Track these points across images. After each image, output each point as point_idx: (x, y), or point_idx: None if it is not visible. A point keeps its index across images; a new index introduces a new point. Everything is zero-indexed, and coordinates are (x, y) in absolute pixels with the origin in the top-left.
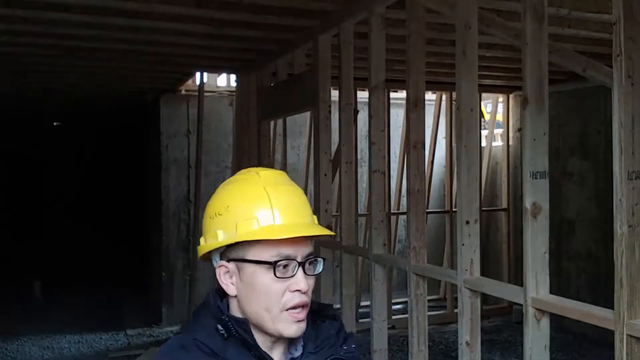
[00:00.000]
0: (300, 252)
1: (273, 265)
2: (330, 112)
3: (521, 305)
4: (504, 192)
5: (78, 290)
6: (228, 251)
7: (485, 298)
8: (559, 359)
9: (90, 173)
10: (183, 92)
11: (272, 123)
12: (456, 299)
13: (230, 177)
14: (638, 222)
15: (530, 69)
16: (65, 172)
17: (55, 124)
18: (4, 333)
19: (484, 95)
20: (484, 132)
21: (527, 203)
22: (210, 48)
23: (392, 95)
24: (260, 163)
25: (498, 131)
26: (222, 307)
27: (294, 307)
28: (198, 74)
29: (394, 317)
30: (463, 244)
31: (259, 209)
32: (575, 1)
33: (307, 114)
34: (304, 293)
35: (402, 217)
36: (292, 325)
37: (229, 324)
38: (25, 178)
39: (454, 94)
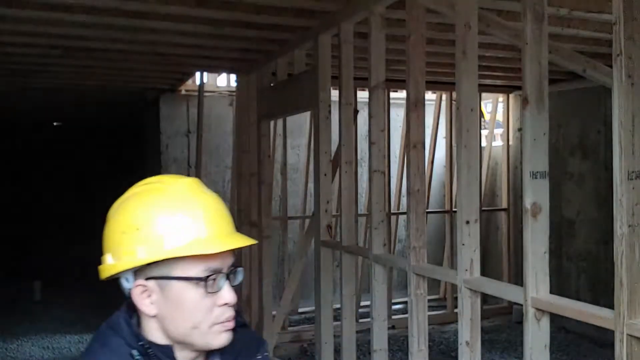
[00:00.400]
0: (226, 263)
1: (204, 280)
2: (330, 112)
3: (521, 305)
4: (504, 192)
5: (78, 290)
6: (148, 269)
7: (485, 298)
8: (559, 359)
9: (90, 173)
10: (183, 92)
11: (272, 123)
12: (456, 299)
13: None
14: (638, 222)
15: (530, 69)
16: (65, 172)
17: (55, 124)
18: (4, 333)
19: (484, 95)
20: (484, 132)
21: (527, 203)
22: (210, 48)
23: (392, 95)
24: (260, 163)
25: (498, 131)
26: (138, 331)
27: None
28: (198, 74)
29: (394, 317)
30: (463, 244)
31: (185, 221)
32: (575, 1)
33: (307, 114)
34: (231, 306)
35: (402, 217)
36: (221, 335)
37: (150, 350)
38: (25, 178)
39: (454, 94)
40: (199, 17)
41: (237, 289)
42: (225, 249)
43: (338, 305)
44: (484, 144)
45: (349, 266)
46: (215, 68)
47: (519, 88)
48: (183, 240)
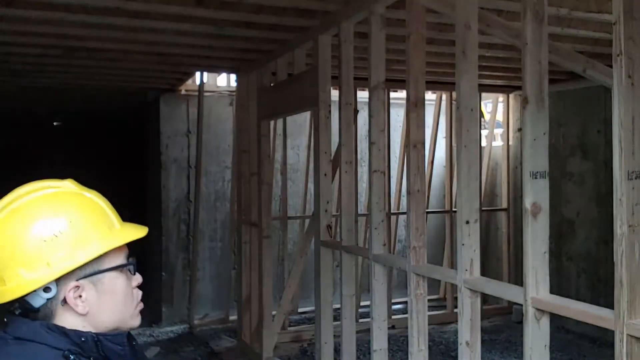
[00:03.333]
0: (128, 250)
1: (132, 265)
2: (330, 112)
3: (521, 305)
4: (504, 192)
5: None
6: (79, 270)
7: (485, 298)
8: (559, 359)
9: (90, 173)
10: (183, 92)
11: (272, 123)
12: (456, 299)
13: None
14: (638, 222)
15: (530, 69)
16: (65, 172)
17: (55, 124)
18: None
19: (484, 95)
20: (484, 132)
21: (527, 203)
22: (210, 48)
23: (392, 95)
24: (260, 163)
25: (498, 131)
26: (68, 331)
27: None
28: (198, 74)
29: (394, 317)
30: (463, 244)
31: (104, 216)
32: (575, 1)
33: (307, 114)
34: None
35: (402, 217)
36: (138, 316)
37: (98, 343)
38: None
39: (454, 94)
40: (199, 17)
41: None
42: (143, 234)
43: (338, 305)
44: (484, 144)
45: (349, 266)
46: (215, 68)
47: (519, 88)
48: (108, 234)
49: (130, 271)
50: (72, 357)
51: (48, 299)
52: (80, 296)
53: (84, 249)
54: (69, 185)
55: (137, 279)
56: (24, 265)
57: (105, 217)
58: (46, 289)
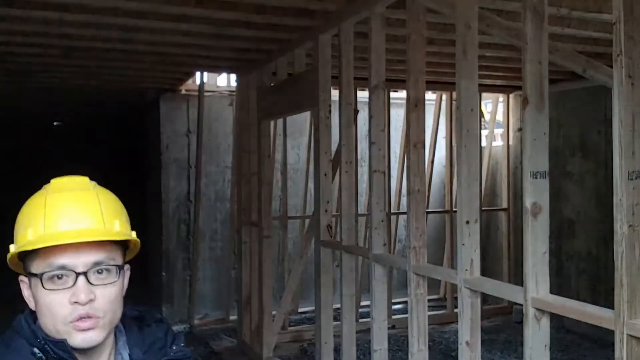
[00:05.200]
0: (82, 260)
1: (40, 277)
2: (330, 112)
3: (521, 305)
4: (504, 192)
5: None
6: (25, 264)
7: (485, 298)
8: (559, 359)
9: (90, 173)
10: (183, 92)
11: (272, 123)
12: (456, 299)
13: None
14: (638, 222)
15: (530, 69)
16: (65, 172)
17: (55, 124)
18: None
19: (484, 95)
20: (484, 132)
21: (527, 203)
22: (210, 48)
23: (392, 95)
24: (260, 163)
25: (498, 131)
26: (36, 328)
27: (76, 320)
28: (198, 74)
29: (394, 317)
30: (463, 244)
31: (33, 218)
32: (575, 1)
33: (307, 114)
34: (85, 304)
35: (402, 217)
36: (77, 336)
37: (46, 346)
38: (25, 178)
39: (454, 94)
40: (199, 17)
41: (129, 287)
42: (43, 245)
43: (338, 305)
44: (484, 144)
45: (349, 266)
46: (215, 68)
47: (519, 88)
48: (31, 236)
49: (42, 282)
50: (38, 355)
51: None
52: (28, 291)
53: (12, 246)
54: (53, 185)
55: (76, 294)
56: None
57: (35, 222)
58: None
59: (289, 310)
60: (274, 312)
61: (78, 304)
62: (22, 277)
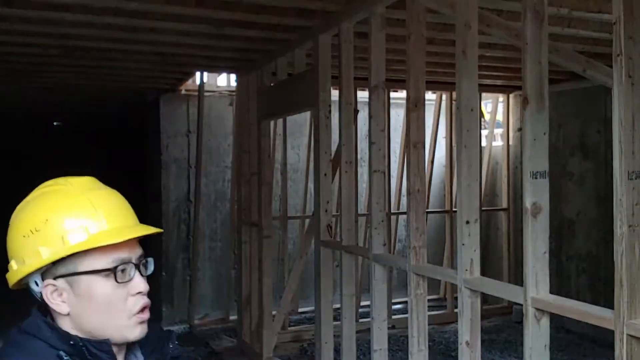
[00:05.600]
0: (134, 254)
1: (113, 271)
2: (330, 112)
3: (521, 305)
4: (504, 192)
5: None
6: (54, 268)
7: (485, 298)
8: (559, 359)
9: (90, 173)
10: (183, 92)
11: (272, 123)
12: (456, 299)
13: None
14: (638, 222)
15: (530, 69)
16: (65, 172)
17: (55, 124)
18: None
19: (484, 95)
20: (484, 132)
21: (527, 203)
22: (210, 48)
23: (392, 95)
24: (260, 163)
25: (498, 131)
26: (64, 332)
27: (139, 311)
28: (198, 74)
29: (394, 317)
30: (463, 244)
31: (84, 217)
32: (575, 1)
33: (307, 114)
34: (145, 294)
35: (402, 217)
36: (137, 328)
37: (84, 348)
38: (25, 178)
39: (454, 94)
40: (199, 17)
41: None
42: (124, 239)
43: (338, 305)
44: (484, 144)
45: (349, 266)
46: (215, 68)
47: (519, 88)
48: (83, 234)
49: (116, 276)
50: (65, 359)
51: (39, 292)
52: (61, 295)
53: (51, 248)
54: (75, 184)
55: (137, 286)
56: (11, 258)
57: (91, 219)
58: (37, 281)
59: (289, 310)
60: (274, 312)
61: (141, 295)
62: (49, 282)
